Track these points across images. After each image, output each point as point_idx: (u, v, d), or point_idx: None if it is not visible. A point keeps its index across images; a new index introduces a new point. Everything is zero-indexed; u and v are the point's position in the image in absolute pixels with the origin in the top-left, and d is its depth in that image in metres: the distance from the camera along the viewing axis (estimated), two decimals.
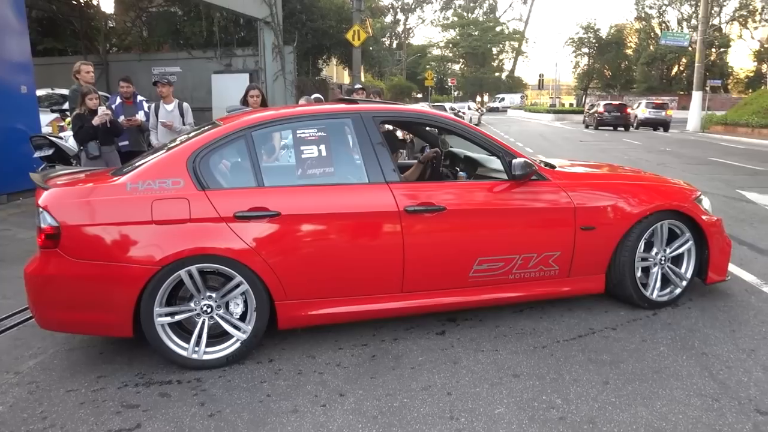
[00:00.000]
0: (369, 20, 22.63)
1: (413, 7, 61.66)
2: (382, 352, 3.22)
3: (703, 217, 3.77)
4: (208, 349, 3.04)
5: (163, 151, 3.25)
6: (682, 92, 50.23)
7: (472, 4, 66.11)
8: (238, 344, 3.06)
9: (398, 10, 59.58)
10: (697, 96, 27.20)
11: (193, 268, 2.91)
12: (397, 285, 3.26)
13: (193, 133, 3.38)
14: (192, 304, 3.02)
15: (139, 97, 6.65)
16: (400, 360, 3.13)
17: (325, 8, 19.64)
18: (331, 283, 3.17)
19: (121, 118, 6.14)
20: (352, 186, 3.25)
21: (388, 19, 55.18)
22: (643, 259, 3.70)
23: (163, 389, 2.84)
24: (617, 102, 30.38)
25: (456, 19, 65.06)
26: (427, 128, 4.78)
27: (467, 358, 3.13)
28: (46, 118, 9.15)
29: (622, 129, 27.18)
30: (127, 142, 6.31)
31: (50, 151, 7.16)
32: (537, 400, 2.70)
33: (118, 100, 6.50)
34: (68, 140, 7.29)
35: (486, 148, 3.59)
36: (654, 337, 3.36)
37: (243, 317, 3.10)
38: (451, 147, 4.54)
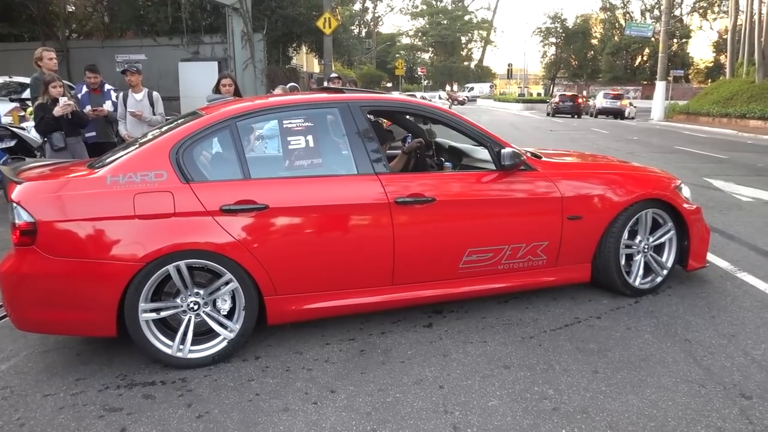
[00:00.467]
0: (338, 8, 22.39)
1: None
2: (370, 347, 3.18)
3: (684, 205, 3.84)
4: (194, 348, 2.95)
5: (143, 142, 3.12)
6: (645, 82, 51.33)
7: None
8: (225, 343, 2.98)
9: None
10: (660, 86, 27.82)
11: (182, 264, 2.81)
12: (388, 278, 3.22)
13: (173, 124, 3.25)
14: (178, 301, 2.92)
15: (107, 86, 6.37)
16: (390, 354, 3.09)
17: None
18: (320, 277, 3.11)
19: (87, 108, 5.88)
20: (341, 177, 3.18)
21: (357, 6, 54.78)
22: (627, 247, 3.75)
23: (146, 390, 2.74)
24: (570, 93, 34.48)
25: (425, 7, 64.97)
26: (411, 117, 4.72)
27: (456, 351, 3.12)
28: (4, 108, 8.78)
29: (576, 116, 29.76)
30: (94, 133, 6.04)
31: (12, 143, 6.87)
32: (529, 391, 2.70)
33: (85, 89, 6.22)
34: (31, 131, 7.00)
35: (474, 138, 3.56)
36: (638, 324, 3.41)
37: (230, 314, 3.02)
38: (436, 137, 4.50)
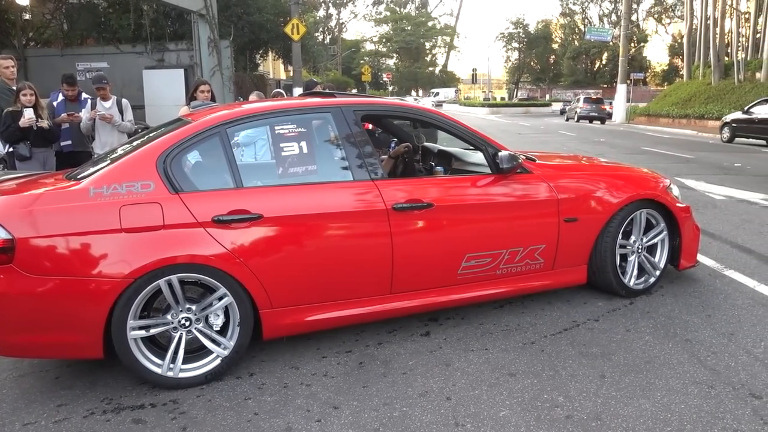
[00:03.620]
0: (303, 15, 22.23)
1: (345, 1, 61.32)
2: (368, 358, 3.06)
3: (677, 205, 3.86)
4: (185, 366, 2.78)
5: (126, 151, 2.94)
6: (605, 85, 52.64)
7: None
8: (218, 361, 2.82)
9: (330, 4, 59.11)
10: (621, 89, 28.55)
11: (174, 278, 2.65)
12: (386, 286, 3.11)
13: (157, 132, 3.09)
14: (169, 317, 2.74)
15: (84, 95, 6.16)
16: (390, 365, 2.98)
17: (261, 1, 19.05)
18: (317, 287, 2.98)
19: (63, 115, 5.69)
20: (337, 184, 3.05)
21: (321, 13, 54.64)
22: (622, 247, 3.74)
23: (136, 415, 2.56)
24: (595, 96, 33.53)
25: (388, 14, 65.29)
26: (404, 122, 4.64)
27: (458, 359, 3.02)
28: None
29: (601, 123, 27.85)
30: (69, 142, 5.85)
31: None
32: (539, 399, 2.63)
33: (61, 96, 6.00)
34: None
35: (469, 141, 3.49)
36: (636, 326, 3.38)
37: (223, 330, 2.86)
38: (425, 141, 4.43)
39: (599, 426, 2.41)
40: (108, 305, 2.57)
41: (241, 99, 6.63)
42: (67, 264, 2.54)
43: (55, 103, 5.89)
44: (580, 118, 28.74)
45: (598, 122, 28.01)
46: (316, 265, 2.93)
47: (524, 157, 3.60)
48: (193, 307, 2.77)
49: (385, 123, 4.67)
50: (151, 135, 3.10)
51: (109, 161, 2.88)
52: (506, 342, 3.22)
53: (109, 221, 2.57)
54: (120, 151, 3.05)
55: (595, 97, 31.88)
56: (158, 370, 2.72)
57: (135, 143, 3.09)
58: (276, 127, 3.04)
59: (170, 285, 2.67)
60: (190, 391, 2.75)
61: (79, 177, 2.80)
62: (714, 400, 2.57)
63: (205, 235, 2.69)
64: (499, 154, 3.33)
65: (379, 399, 2.66)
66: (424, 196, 3.13)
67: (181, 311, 2.75)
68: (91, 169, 2.86)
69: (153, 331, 2.73)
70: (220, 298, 2.77)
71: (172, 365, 2.74)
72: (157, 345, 2.81)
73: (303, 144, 3.03)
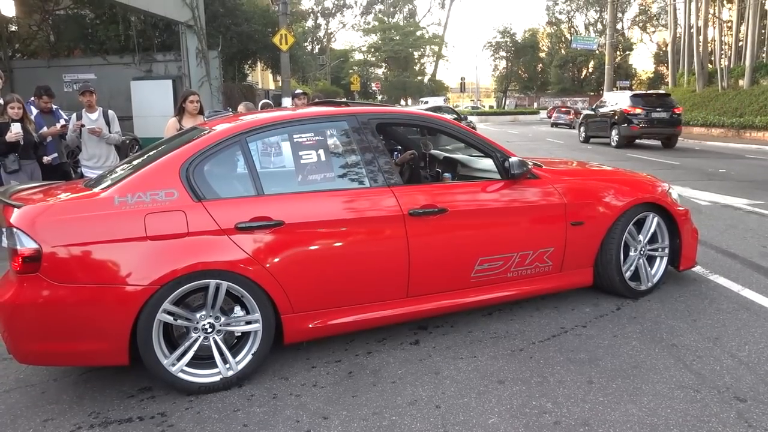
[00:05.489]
0: (292, 25, 22.31)
1: (333, 11, 61.61)
2: (358, 368, 3.07)
3: (677, 208, 3.98)
4: (186, 369, 2.79)
5: (146, 161, 2.98)
6: (592, 93, 53.14)
7: (392, 9, 66.89)
8: (217, 378, 2.84)
9: (318, 14, 59.31)
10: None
11: (213, 283, 2.71)
12: (403, 290, 3.18)
13: (177, 141, 3.14)
14: (197, 316, 2.78)
15: (54, 106, 6.13)
16: (379, 374, 2.99)
17: (249, 12, 19.12)
18: (336, 292, 3.03)
19: (44, 129, 5.65)
20: (355, 191, 3.12)
21: (309, 23, 54.81)
22: (626, 249, 3.83)
23: (123, 428, 2.54)
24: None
25: (377, 23, 65.55)
26: (416, 129, 4.70)
27: (448, 368, 3.03)
28: None
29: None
30: (56, 155, 5.83)
31: None
32: (527, 405, 2.64)
33: (35, 110, 5.96)
34: None
35: (480, 149, 3.59)
36: (623, 332, 3.41)
37: (237, 349, 2.92)
38: (432, 149, 4.47)
39: (587, 431, 2.43)
40: (133, 313, 2.60)
41: (230, 110, 6.62)
42: (93, 272, 2.57)
43: (32, 116, 5.85)
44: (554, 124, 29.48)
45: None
46: (334, 270, 2.99)
47: (532, 164, 3.66)
48: (222, 319, 2.83)
49: (389, 131, 4.72)
50: (170, 144, 3.16)
51: (131, 170, 2.91)
52: (495, 349, 3.24)
53: (134, 229, 2.61)
54: (140, 161, 3.08)
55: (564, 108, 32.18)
56: (164, 361, 2.73)
57: (153, 153, 3.13)
58: (294, 136, 3.10)
59: (218, 288, 2.74)
60: (179, 404, 2.73)
61: (104, 186, 2.82)
62: (699, 404, 2.60)
63: (229, 242, 2.74)
64: (509, 160, 3.43)
65: (368, 408, 2.66)
66: (438, 202, 3.20)
67: (209, 316, 2.79)
68: (111, 178, 2.90)
69: (179, 321, 2.76)
70: (248, 323, 2.86)
71: (176, 361, 2.75)
72: (172, 345, 2.83)
73: (321, 152, 3.10)
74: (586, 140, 18.38)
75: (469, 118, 19.34)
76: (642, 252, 3.90)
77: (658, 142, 16.62)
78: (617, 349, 3.18)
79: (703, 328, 3.44)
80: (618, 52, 50.21)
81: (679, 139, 16.77)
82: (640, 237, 3.88)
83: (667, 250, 4.00)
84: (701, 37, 24.88)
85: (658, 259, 4.01)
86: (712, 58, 26.34)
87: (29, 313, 2.56)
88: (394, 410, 2.63)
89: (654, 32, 54.78)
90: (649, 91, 21.62)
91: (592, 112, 18.13)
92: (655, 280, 3.98)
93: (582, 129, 18.73)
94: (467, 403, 2.67)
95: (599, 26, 55.24)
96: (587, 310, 3.76)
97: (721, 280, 4.27)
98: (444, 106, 21.92)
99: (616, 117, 16.10)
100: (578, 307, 3.80)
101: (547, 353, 3.16)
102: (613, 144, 16.24)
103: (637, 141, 16.31)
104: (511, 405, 2.65)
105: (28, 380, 3.01)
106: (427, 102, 62.91)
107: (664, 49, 51.99)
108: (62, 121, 5.94)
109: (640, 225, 3.89)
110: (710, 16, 25.72)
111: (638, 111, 15.58)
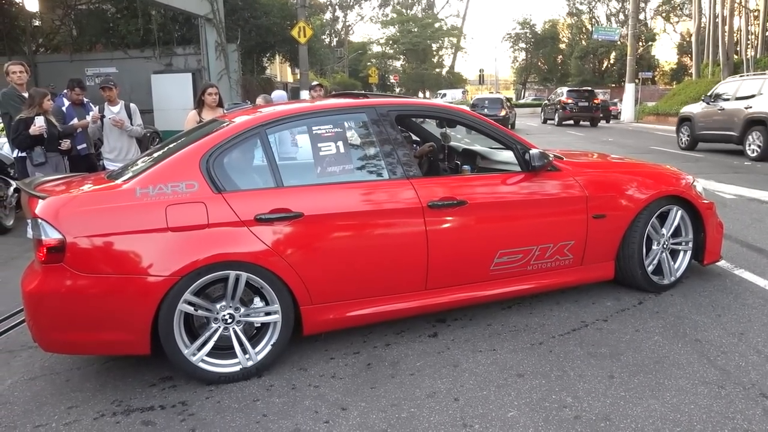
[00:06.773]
0: (310, 18, 22.31)
1: (351, 4, 61.46)
2: (376, 360, 3.07)
3: (701, 201, 3.90)
4: (206, 359, 2.82)
5: (166, 153, 3.01)
6: (613, 84, 52.24)
7: (410, 1, 66.53)
8: (237, 368, 2.87)
9: (336, 7, 59.25)
10: (630, 88, 28.32)
11: (232, 274, 2.74)
12: (421, 282, 3.17)
13: (196, 133, 3.16)
14: (217, 306, 2.81)
15: (85, 99, 6.30)
16: (398, 366, 2.98)
17: (268, 4, 19.11)
18: (355, 284, 3.04)
19: (74, 121, 5.89)
20: (374, 183, 3.12)
21: (327, 16, 54.79)
22: (648, 243, 3.77)
23: (145, 416, 2.58)
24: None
25: (395, 15, 65.23)
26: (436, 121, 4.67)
27: (466, 360, 3.02)
28: None
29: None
30: (85, 145, 6.02)
31: None
32: (547, 399, 2.62)
33: (66, 102, 6.15)
34: (2, 147, 6.74)
35: (500, 141, 3.56)
36: (645, 326, 3.36)
37: (256, 338, 2.95)
38: (451, 141, 4.44)
39: (608, 426, 2.40)
40: (155, 303, 2.63)
41: (249, 102, 6.66)
42: (115, 262, 2.61)
43: (63, 108, 6.00)
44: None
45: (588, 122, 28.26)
46: (354, 262, 3.00)
47: (553, 156, 3.62)
48: (242, 309, 2.86)
49: (408, 123, 4.70)
50: (191, 136, 3.18)
51: (152, 162, 2.94)
52: (514, 343, 3.21)
53: (155, 220, 2.64)
54: (161, 153, 3.11)
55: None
56: (185, 351, 2.76)
57: (173, 145, 3.16)
58: (314, 128, 3.11)
59: (237, 278, 2.76)
60: (199, 393, 2.77)
61: (126, 177, 2.86)
62: (724, 400, 2.55)
63: (249, 234, 2.76)
64: (530, 152, 3.39)
65: (386, 400, 2.66)
66: (458, 194, 3.19)
67: (229, 307, 2.82)
68: (135, 170, 2.94)
69: (199, 312, 2.79)
70: (268, 314, 2.88)
71: (196, 351, 2.79)
72: (192, 335, 2.86)
73: (340, 144, 3.10)
74: (544, 121, 26.67)
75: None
76: (665, 246, 3.84)
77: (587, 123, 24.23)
78: (639, 344, 3.14)
79: (727, 323, 3.38)
80: (640, 43, 49.23)
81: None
82: (663, 230, 3.82)
83: (690, 244, 3.93)
84: (726, 27, 24.31)
85: (681, 253, 3.94)
86: (738, 49, 25.71)
87: (53, 302, 2.61)
88: (412, 402, 2.63)
89: (678, 22, 53.63)
90: (579, 87, 28.30)
91: (548, 102, 26.72)
92: (678, 274, 3.91)
93: (542, 113, 28.12)
94: (486, 396, 2.66)
95: (621, 16, 54.29)
96: (608, 304, 3.71)
97: (746, 275, 4.18)
98: (497, 97, 22.04)
99: (558, 105, 24.72)
100: (599, 301, 3.75)
101: (567, 347, 3.13)
102: (555, 123, 24.99)
103: (574, 122, 24.66)
104: (531, 399, 2.63)
105: (53, 368, 3.06)
106: (445, 95, 62.67)
107: (687, 39, 50.87)
108: (92, 114, 6.07)
109: (663, 218, 3.83)
110: (736, 5, 25.10)
111: (570, 101, 23.83)
